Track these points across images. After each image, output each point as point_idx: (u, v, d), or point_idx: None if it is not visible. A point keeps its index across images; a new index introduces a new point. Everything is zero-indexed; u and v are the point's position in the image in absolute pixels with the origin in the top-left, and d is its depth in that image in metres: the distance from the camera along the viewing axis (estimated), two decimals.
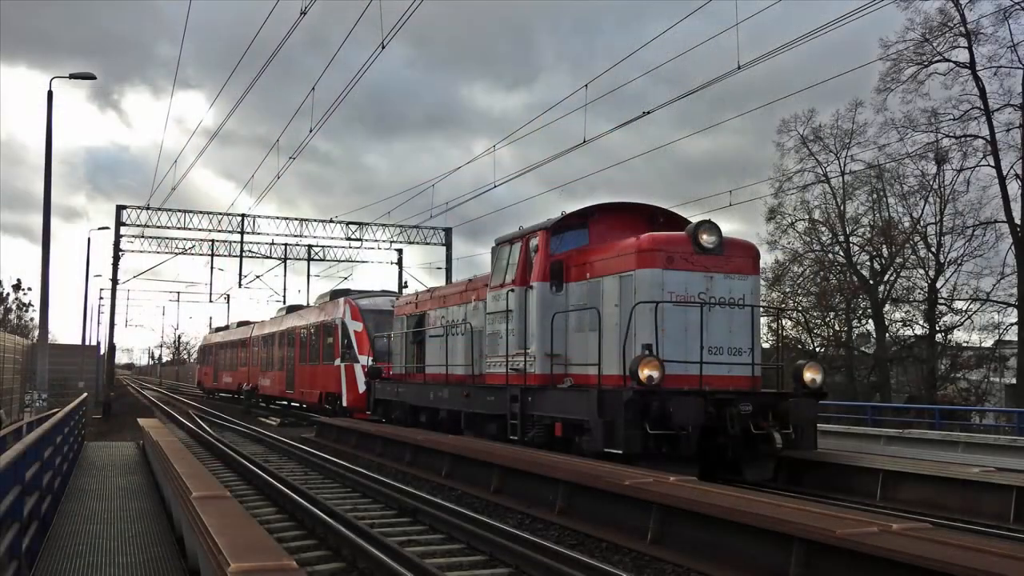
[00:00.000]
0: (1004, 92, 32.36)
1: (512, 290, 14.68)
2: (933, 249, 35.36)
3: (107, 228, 43.45)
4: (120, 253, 40.88)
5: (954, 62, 32.92)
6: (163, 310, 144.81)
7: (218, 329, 58.31)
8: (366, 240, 43.38)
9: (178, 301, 75.97)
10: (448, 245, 44.54)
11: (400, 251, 46.36)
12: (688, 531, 7.73)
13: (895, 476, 11.19)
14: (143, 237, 42.02)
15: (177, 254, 44.77)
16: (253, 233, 42.12)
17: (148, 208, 39.39)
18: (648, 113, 19.07)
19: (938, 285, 35.02)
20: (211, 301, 48.21)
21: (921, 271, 36.19)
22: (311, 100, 22.17)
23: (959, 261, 34.58)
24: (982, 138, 32.76)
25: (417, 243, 44.54)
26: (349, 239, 43.19)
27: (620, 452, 11.32)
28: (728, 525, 7.20)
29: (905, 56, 33.34)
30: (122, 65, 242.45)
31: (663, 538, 8.00)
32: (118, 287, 42.40)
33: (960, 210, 34.32)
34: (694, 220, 13.12)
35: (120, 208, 39.92)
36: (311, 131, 22.59)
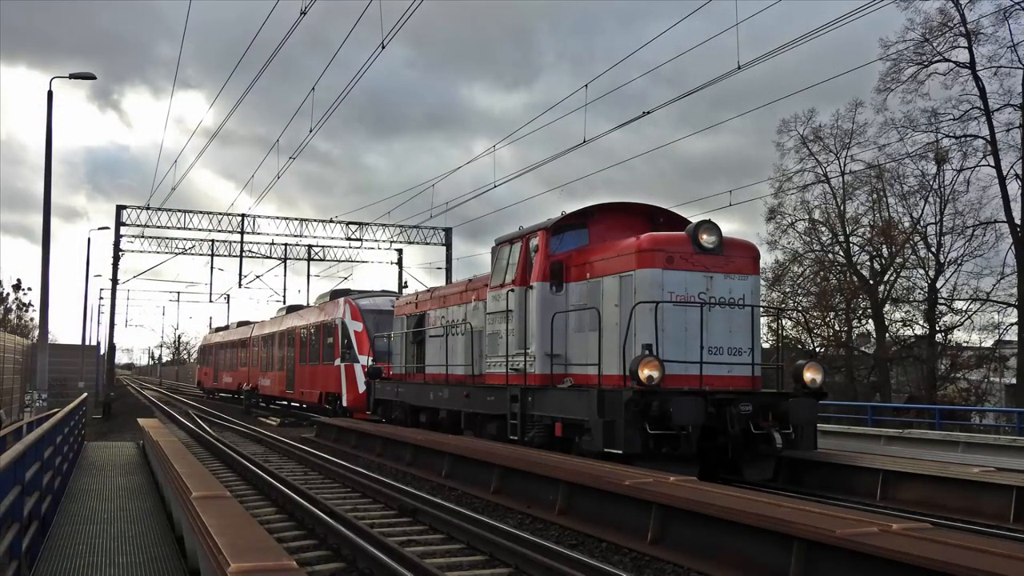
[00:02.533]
0: (1004, 92, 32.43)
1: (512, 290, 14.68)
2: (933, 249, 35.40)
3: (107, 228, 43.52)
4: (120, 253, 40.90)
5: (954, 62, 32.95)
6: (163, 310, 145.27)
7: (218, 329, 56.91)
8: (366, 240, 43.43)
9: (178, 301, 76.16)
10: (448, 245, 44.57)
11: (400, 251, 46.47)
12: (688, 531, 7.73)
13: (895, 476, 11.18)
14: (143, 237, 42.07)
15: (177, 254, 44.85)
16: (253, 233, 42.15)
17: (148, 208, 39.41)
18: (648, 113, 19.14)
19: (938, 285, 35.04)
20: (211, 301, 48.25)
21: (921, 271, 36.22)
22: (311, 100, 22.22)
23: (959, 261, 34.59)
24: (982, 138, 32.81)
25: (417, 243, 44.57)
26: (349, 239, 43.23)
27: (620, 452, 11.32)
28: (728, 525, 7.20)
29: (905, 56, 33.39)
30: (122, 65, 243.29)
31: (663, 538, 8.00)
32: (118, 287, 42.45)
33: (960, 210, 34.39)
34: (694, 220, 13.12)
35: (120, 208, 39.96)
36: (311, 131, 22.65)
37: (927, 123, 33.82)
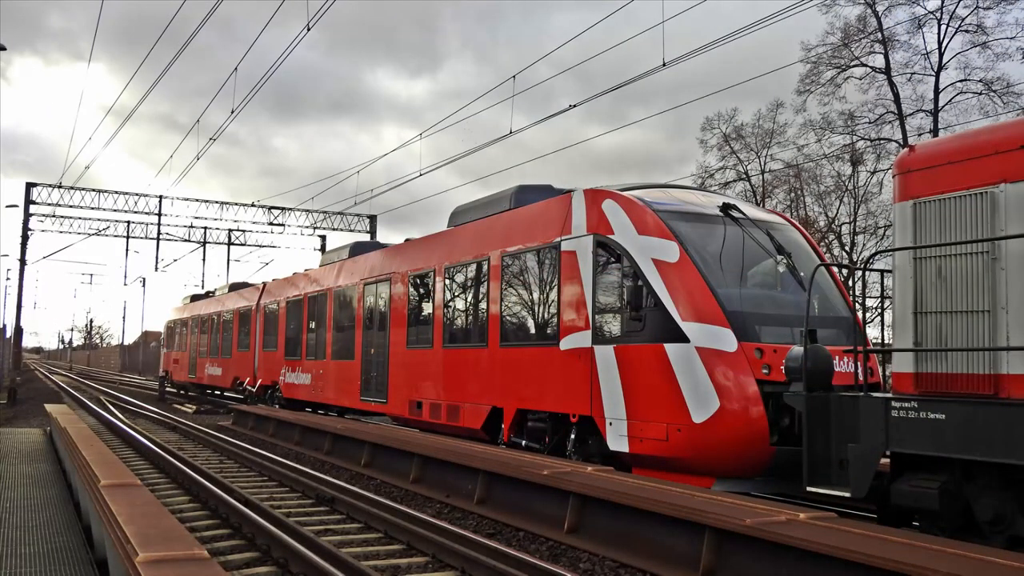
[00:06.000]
0: (917, 98, 33.73)
1: None
2: (847, 248, 36.59)
3: (15, 206, 41.95)
4: (29, 232, 39.49)
5: (871, 67, 34.07)
6: (75, 292, 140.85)
7: (195, 298, 37.49)
8: (289, 226, 42.85)
9: (91, 283, 73.96)
10: (372, 232, 44.22)
11: (323, 237, 45.92)
12: (603, 520, 7.85)
13: None
14: (55, 217, 40.64)
15: (91, 235, 43.46)
16: (171, 216, 41.18)
17: (60, 187, 38.11)
18: (574, 106, 19.18)
19: (850, 283, 36.17)
20: (126, 284, 46.88)
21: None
22: (217, 80, 21.71)
23: (871, 260, 35.80)
24: (895, 141, 34.01)
25: (341, 229, 44.20)
26: (272, 224, 42.57)
27: None
28: (642, 514, 7.33)
29: (824, 59, 34.43)
30: (11, 35, 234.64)
31: (579, 527, 8.10)
32: (26, 268, 41.01)
33: (872, 211, 35.68)
34: None
35: (30, 186, 38.54)
36: (232, 113, 22.16)
37: (844, 125, 35.00)
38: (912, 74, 33.50)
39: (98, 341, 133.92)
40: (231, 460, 14.45)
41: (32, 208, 38.80)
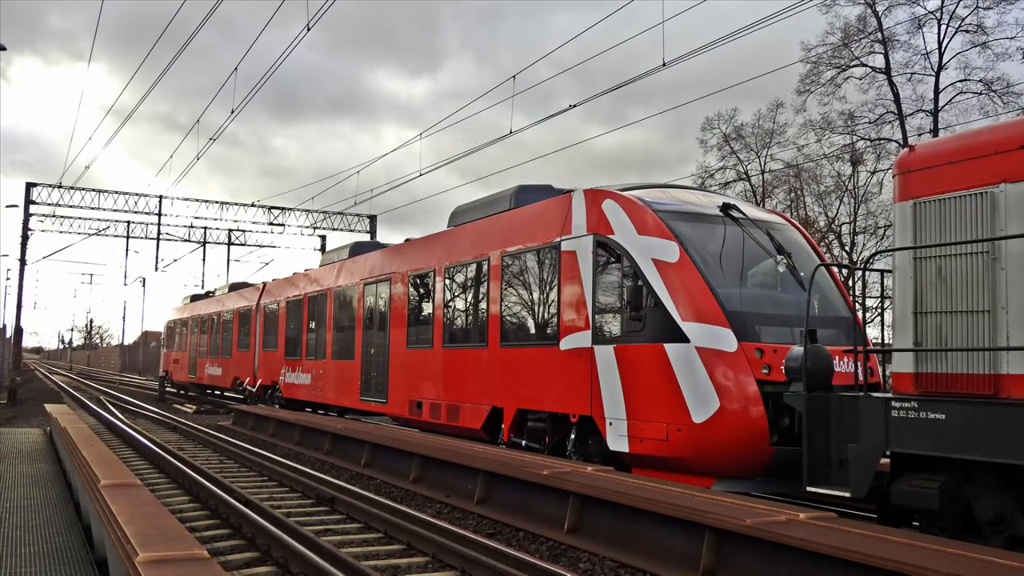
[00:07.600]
0: (917, 98, 33.74)
1: None
2: (847, 248, 36.60)
3: (15, 206, 41.97)
4: (29, 232, 39.50)
5: (871, 67, 34.08)
6: (75, 292, 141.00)
7: (195, 298, 37.17)
8: (289, 226, 42.88)
9: (91, 283, 74.00)
10: (372, 232, 44.23)
11: (323, 237, 45.93)
12: (604, 520, 7.84)
13: None
14: (55, 217, 40.63)
15: (91, 235, 43.47)
16: (171, 216, 41.19)
17: (60, 187, 38.11)
18: (574, 106, 19.20)
19: (850, 283, 36.20)
20: (125, 284, 46.92)
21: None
22: (217, 80, 21.73)
23: (871, 260, 35.83)
24: (895, 141, 34.01)
25: (341, 229, 44.20)
26: (272, 224, 42.59)
27: None
28: (642, 514, 7.33)
29: (824, 59, 34.44)
30: (11, 35, 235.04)
31: (579, 527, 8.10)
32: (26, 268, 41.02)
33: (872, 210, 35.70)
34: None
35: (30, 185, 38.55)
36: (232, 113, 22.17)
37: (844, 125, 35.01)
38: (912, 74, 33.56)
39: (98, 341, 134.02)
40: (231, 460, 14.45)
41: (32, 208, 38.86)
